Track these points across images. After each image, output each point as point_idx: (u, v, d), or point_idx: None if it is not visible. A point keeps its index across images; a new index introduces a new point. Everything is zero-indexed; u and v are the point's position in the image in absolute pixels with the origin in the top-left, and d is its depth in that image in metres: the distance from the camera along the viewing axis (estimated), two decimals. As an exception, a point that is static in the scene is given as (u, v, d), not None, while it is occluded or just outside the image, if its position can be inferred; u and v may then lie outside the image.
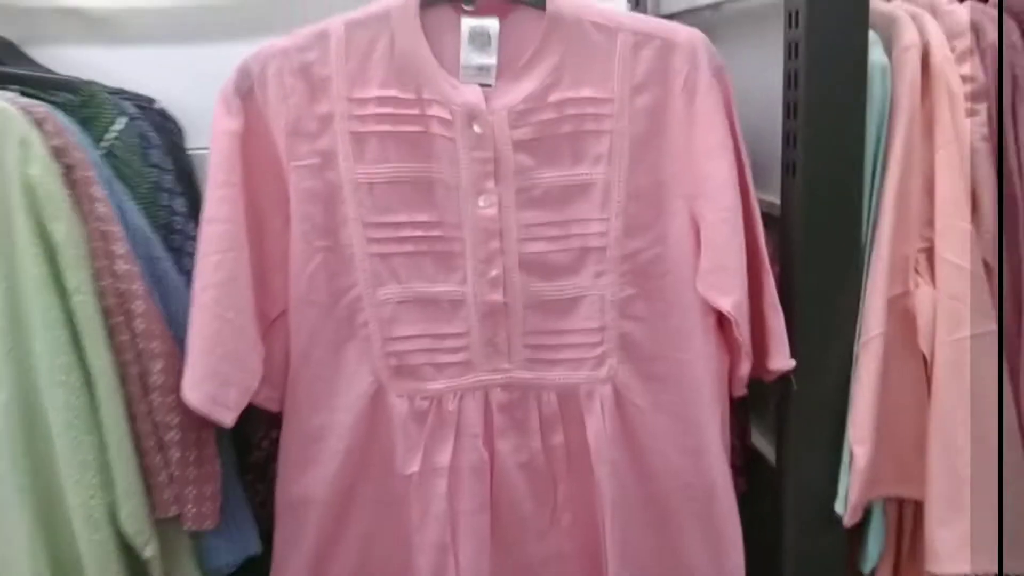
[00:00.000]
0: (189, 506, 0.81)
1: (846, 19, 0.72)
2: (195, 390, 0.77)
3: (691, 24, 0.78)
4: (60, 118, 0.80)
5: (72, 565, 0.80)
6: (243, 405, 0.79)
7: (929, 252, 0.76)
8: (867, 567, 0.85)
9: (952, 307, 0.74)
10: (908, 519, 0.84)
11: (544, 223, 0.80)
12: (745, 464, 0.97)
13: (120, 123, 0.88)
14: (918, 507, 0.81)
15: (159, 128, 0.95)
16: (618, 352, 0.81)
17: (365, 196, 0.78)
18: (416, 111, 0.77)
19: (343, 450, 0.82)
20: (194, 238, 0.91)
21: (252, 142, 0.78)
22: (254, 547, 0.88)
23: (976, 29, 0.76)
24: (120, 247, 0.78)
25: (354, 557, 0.85)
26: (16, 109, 0.76)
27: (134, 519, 0.78)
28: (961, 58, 0.76)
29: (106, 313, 0.77)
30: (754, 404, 0.93)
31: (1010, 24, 0.77)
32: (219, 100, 0.77)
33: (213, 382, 0.77)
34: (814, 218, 0.76)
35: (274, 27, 0.84)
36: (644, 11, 1.10)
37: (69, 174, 0.76)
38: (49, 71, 0.97)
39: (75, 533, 0.78)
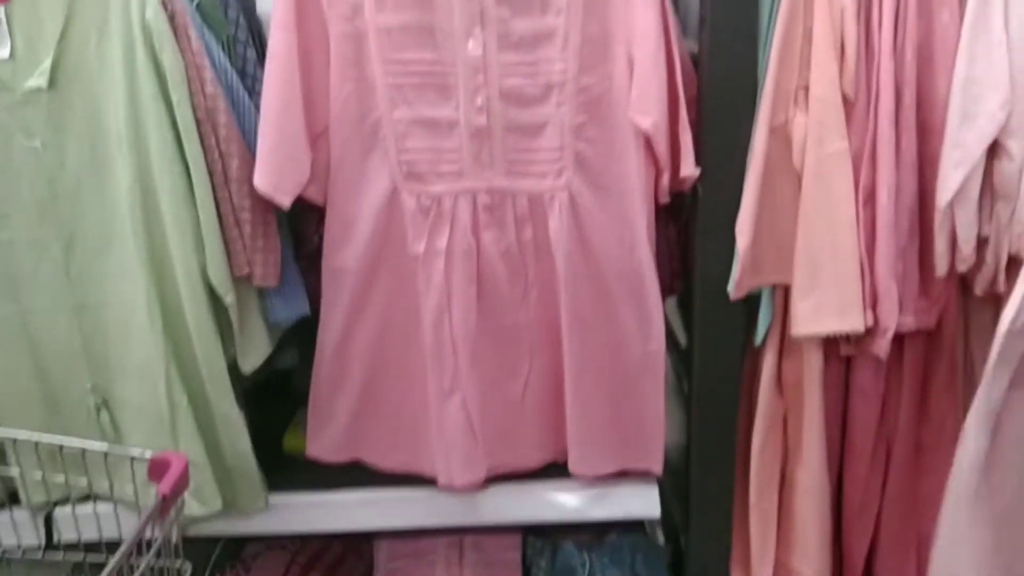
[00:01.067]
0: (257, 267, 1.08)
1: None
2: (262, 179, 1.04)
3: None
4: (164, -23, 1.06)
5: (175, 306, 1.08)
6: (296, 193, 1.06)
7: (807, 89, 0.97)
8: (758, 340, 1.09)
9: (818, 130, 0.96)
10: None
11: (518, 62, 1.03)
12: (683, 271, 1.22)
13: (207, -16, 1.14)
14: (796, 292, 1.05)
15: (235, -8, 1.21)
16: (573, 166, 1.06)
17: (384, 38, 1.03)
18: (422, -27, 1.01)
19: (368, 232, 1.08)
20: (261, 80, 1.18)
21: (303, -3, 1.03)
22: (304, 308, 1.16)
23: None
24: (208, 74, 1.03)
25: (379, 312, 1.12)
26: (134, -31, 1.03)
27: (218, 273, 1.06)
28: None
29: (198, 122, 1.02)
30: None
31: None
32: (279, -37, 1.03)
33: (276, 174, 1.04)
34: (718, 60, 0.98)
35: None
36: None
37: (172, 20, 1.01)
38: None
39: (177, 281, 1.06)
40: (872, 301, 0.97)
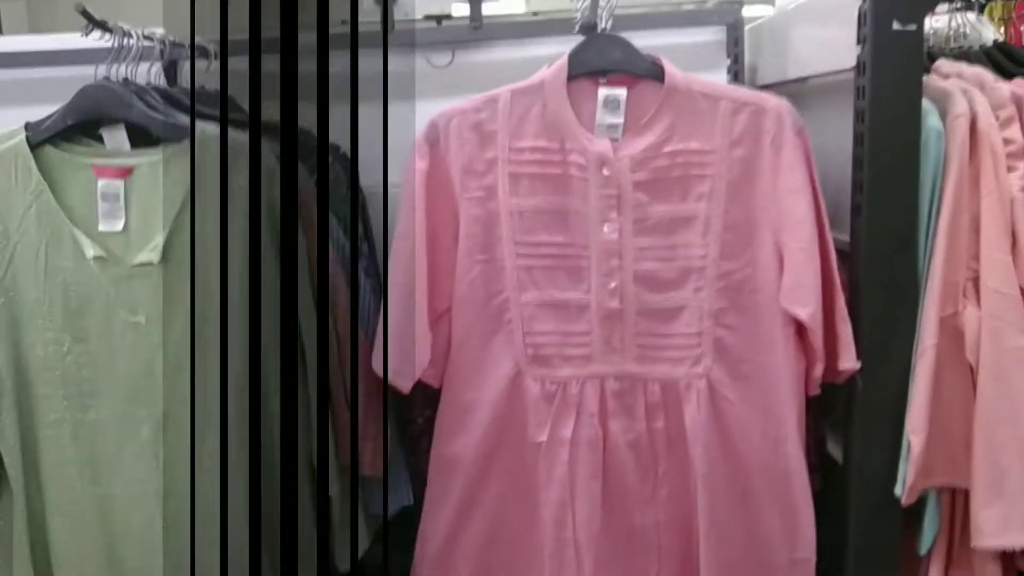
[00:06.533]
0: (366, 455, 1.01)
1: (902, 94, 0.90)
2: (381, 363, 0.98)
3: (780, 94, 0.98)
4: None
5: (272, 496, 0.99)
6: (416, 378, 1.00)
7: (975, 280, 0.91)
8: (923, 549, 0.97)
9: (994, 325, 0.89)
10: (959, 508, 0.97)
11: (655, 247, 0.99)
12: (820, 465, 1.12)
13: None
14: (967, 497, 0.95)
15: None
16: (712, 353, 0.99)
17: (517, 221, 1.00)
18: (559, 158, 0.99)
19: (487, 420, 1.01)
20: (367, 256, 1.15)
21: (435, 178, 1.00)
22: (407, 498, 1.08)
23: (1017, 101, 0.93)
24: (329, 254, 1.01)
25: (492, 508, 1.03)
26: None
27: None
28: (1004, 124, 0.92)
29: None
30: (828, 416, 1.09)
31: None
32: (414, 146, 1.00)
33: (396, 357, 0.98)
34: (875, 252, 0.93)
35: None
36: (742, 83, 1.29)
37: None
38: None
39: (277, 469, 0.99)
40: (1070, 513, 0.87)
